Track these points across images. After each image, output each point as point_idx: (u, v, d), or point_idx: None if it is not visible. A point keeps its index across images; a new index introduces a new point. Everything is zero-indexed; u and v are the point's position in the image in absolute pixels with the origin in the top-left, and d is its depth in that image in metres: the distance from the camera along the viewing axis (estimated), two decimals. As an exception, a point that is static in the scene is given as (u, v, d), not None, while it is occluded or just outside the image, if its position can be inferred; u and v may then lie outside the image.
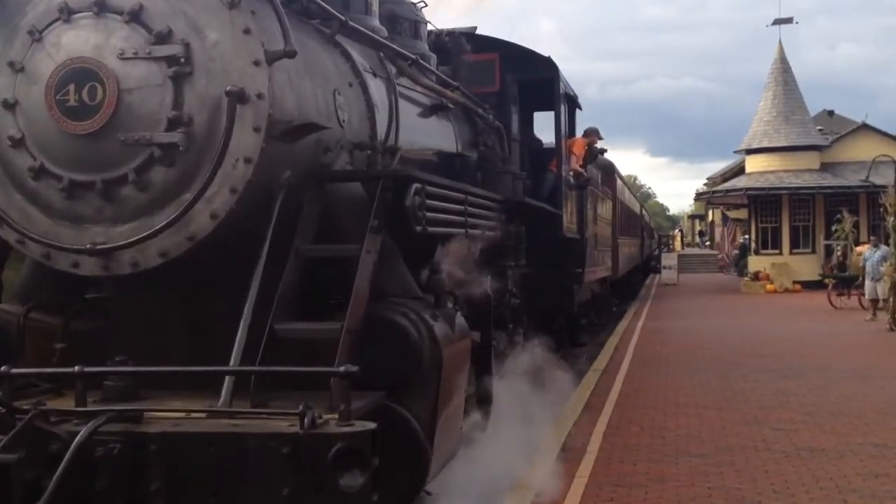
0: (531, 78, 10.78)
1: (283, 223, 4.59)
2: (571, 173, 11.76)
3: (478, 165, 8.48)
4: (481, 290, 6.39)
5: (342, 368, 3.83)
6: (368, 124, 5.79)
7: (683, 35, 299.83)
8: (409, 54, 7.04)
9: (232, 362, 4.25)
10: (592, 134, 12.85)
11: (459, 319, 5.25)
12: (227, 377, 4.20)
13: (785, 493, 6.53)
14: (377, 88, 6.09)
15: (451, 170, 7.50)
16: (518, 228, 8.47)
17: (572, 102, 12.38)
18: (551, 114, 11.47)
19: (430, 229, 5.20)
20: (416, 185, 5.02)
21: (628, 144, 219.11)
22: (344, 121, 5.29)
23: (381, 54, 6.59)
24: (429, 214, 5.17)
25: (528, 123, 11.74)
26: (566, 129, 11.65)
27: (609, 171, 22.43)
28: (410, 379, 4.54)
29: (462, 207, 6.15)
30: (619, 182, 25.36)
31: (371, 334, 4.44)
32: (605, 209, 18.87)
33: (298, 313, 4.56)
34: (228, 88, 4.29)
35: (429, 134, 7.50)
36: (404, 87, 6.82)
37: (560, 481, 6.77)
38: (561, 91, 11.36)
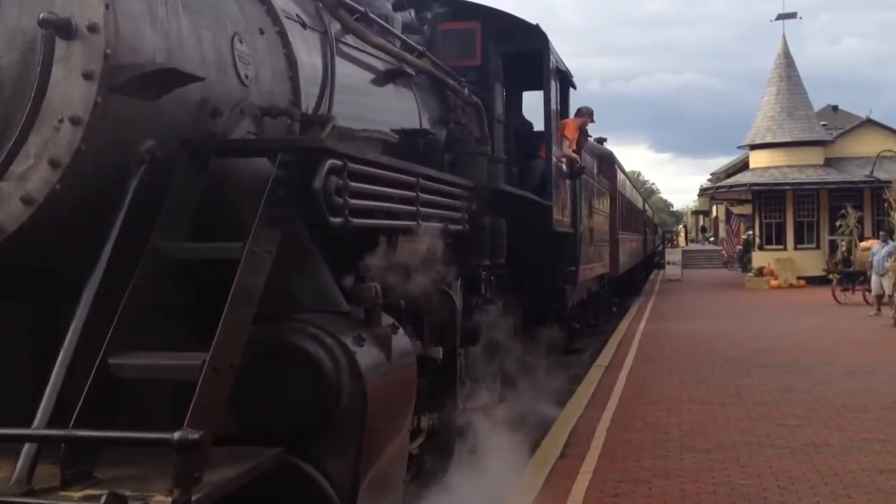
0: (518, 51, 9.34)
1: (148, 214, 3.41)
2: (564, 160, 10.43)
3: (447, 146, 6.97)
4: (443, 297, 5.54)
5: (176, 435, 2.57)
6: (289, 86, 4.47)
7: (685, 30, 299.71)
8: (355, 5, 5.68)
9: (38, 419, 2.98)
10: (586, 114, 11.44)
11: (400, 340, 4.10)
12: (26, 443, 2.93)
13: (789, 490, 6.52)
14: (305, 42, 4.77)
15: (412, 149, 6.07)
16: (497, 221, 7.12)
17: (565, 79, 10.95)
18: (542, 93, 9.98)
19: (357, 222, 3.95)
20: (330, 162, 3.70)
21: (631, 140, 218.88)
22: (247, 77, 4.01)
23: (319, 3, 5.25)
24: (356, 202, 3.92)
25: (516, 104, 10.54)
26: (557, 109, 10.32)
27: (608, 160, 21.20)
28: (322, 426, 3.40)
29: (413, 194, 4.89)
30: (619, 173, 23.87)
31: (268, 365, 3.35)
32: (602, 202, 17.56)
33: (159, 339, 3.30)
34: (43, 16, 3.08)
35: (381, 105, 6.06)
36: (348, 45, 5.50)
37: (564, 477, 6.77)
38: (551, 66, 9.88)
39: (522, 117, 10.65)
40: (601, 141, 23.49)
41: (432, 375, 5.66)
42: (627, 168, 33.64)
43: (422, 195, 5.01)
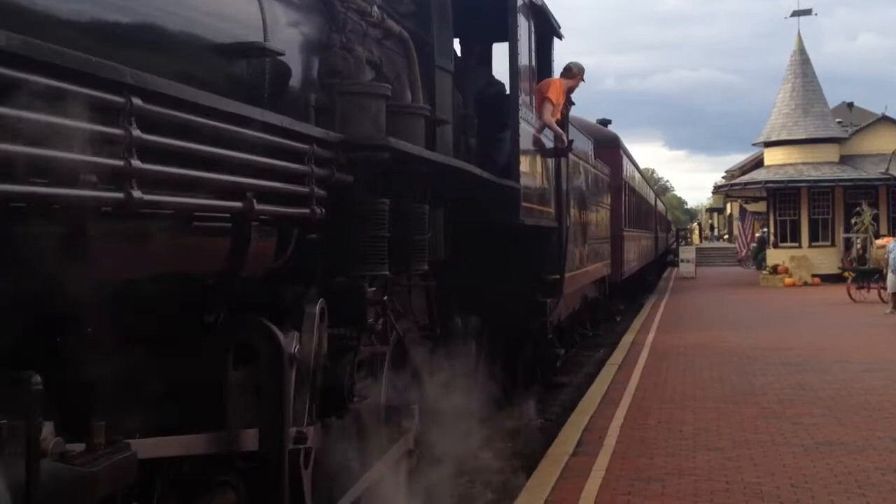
0: None
1: None
2: (545, 131, 8.25)
3: (320, 80, 4.42)
4: (260, 335, 3.44)
5: None
6: None
7: (701, 27, 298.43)
8: None
9: None
10: (577, 73, 8.96)
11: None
12: None
13: (803, 488, 6.50)
14: None
15: (236, 77, 3.62)
16: (413, 207, 5.10)
17: (543, 22, 8.46)
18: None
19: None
20: None
21: (646, 137, 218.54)
22: None
23: None
24: None
25: (483, 58, 8.53)
26: (531, 62, 8.00)
27: (612, 144, 18.61)
28: None
29: (119, 131, 2.41)
30: (625, 161, 20.60)
31: None
32: (603, 192, 15.27)
33: None
34: None
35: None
36: None
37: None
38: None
39: (491, 77, 8.37)
40: (605, 123, 21.00)
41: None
42: (641, 166, 33.17)
43: (151, 138, 2.53)
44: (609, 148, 18.12)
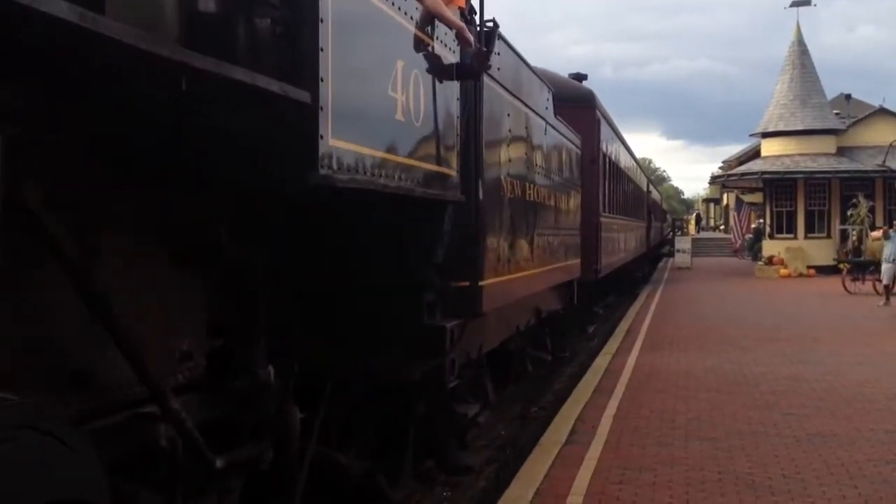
0: None
1: None
2: (438, 30, 4.93)
3: None
4: None
5: None
6: None
7: (699, 16, 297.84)
8: None
9: None
10: None
11: None
12: None
13: (795, 479, 6.49)
14: None
15: None
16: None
17: None
18: None
19: None
20: None
21: (643, 127, 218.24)
22: None
23: None
24: None
25: None
26: None
27: (584, 103, 13.99)
28: None
29: None
30: (604, 128, 15.55)
31: None
32: (569, 164, 11.15)
33: None
34: None
35: None
36: None
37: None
38: None
39: None
40: (579, 78, 15.95)
41: None
42: (638, 155, 32.69)
43: None
44: (580, 107, 13.21)
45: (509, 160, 7.30)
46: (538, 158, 8.86)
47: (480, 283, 5.95)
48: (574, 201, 11.62)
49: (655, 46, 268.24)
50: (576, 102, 13.08)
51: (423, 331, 5.12)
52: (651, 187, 37.28)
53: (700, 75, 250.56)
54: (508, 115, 7.33)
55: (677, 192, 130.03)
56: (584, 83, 16.05)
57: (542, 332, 10.84)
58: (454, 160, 5.37)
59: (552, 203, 9.69)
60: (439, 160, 5.06)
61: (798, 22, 34.61)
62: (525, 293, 8.04)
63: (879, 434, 7.83)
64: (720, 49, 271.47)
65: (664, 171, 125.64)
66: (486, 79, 6.10)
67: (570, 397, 9.70)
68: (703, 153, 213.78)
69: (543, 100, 9.47)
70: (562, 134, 10.79)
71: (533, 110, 8.57)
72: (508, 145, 7.30)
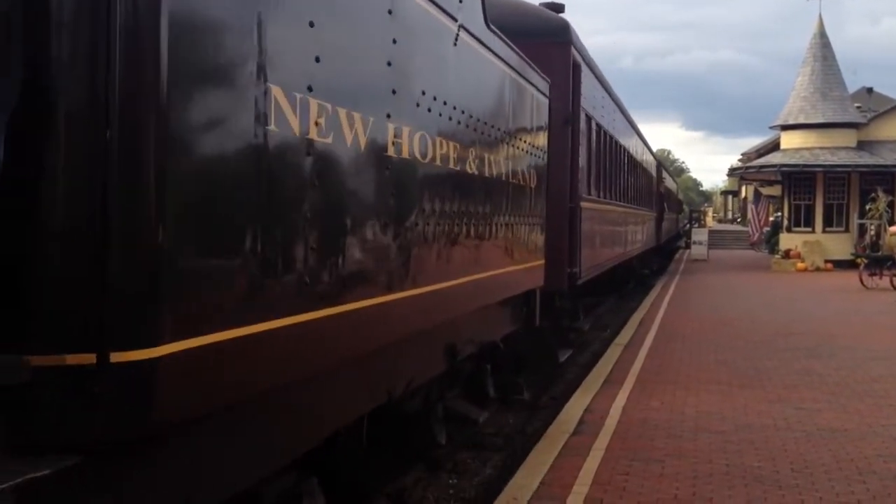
0: None
1: None
2: None
3: None
4: None
5: None
6: None
7: (721, 7, 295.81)
8: None
9: None
10: None
11: None
12: None
13: (803, 473, 6.47)
14: None
15: None
16: None
17: None
18: None
19: None
20: None
21: (663, 118, 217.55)
22: None
23: None
24: None
25: None
26: None
27: (555, 38, 10.18)
28: None
29: None
30: (588, 78, 11.73)
31: None
32: (513, 108, 7.45)
33: None
34: None
35: None
36: None
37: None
38: None
39: None
40: (556, 9, 11.17)
41: None
42: (656, 147, 31.69)
43: None
44: (547, 43, 9.67)
45: (314, 56, 3.51)
46: (433, 82, 5.20)
47: (150, 356, 2.53)
48: (535, 178, 8.36)
49: (677, 37, 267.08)
50: (540, 35, 9.45)
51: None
52: (664, 173, 34.68)
53: (721, 66, 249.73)
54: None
55: (696, 183, 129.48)
56: (563, 16, 11.26)
57: (481, 372, 8.18)
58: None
59: (476, 171, 6.17)
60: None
61: (821, 14, 34.49)
62: (399, 331, 4.79)
63: (891, 429, 7.80)
64: (742, 41, 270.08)
65: (683, 161, 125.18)
66: None
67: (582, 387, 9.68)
68: (723, 145, 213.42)
69: (476, 11, 6.20)
70: (502, 59, 7.00)
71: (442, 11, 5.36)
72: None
